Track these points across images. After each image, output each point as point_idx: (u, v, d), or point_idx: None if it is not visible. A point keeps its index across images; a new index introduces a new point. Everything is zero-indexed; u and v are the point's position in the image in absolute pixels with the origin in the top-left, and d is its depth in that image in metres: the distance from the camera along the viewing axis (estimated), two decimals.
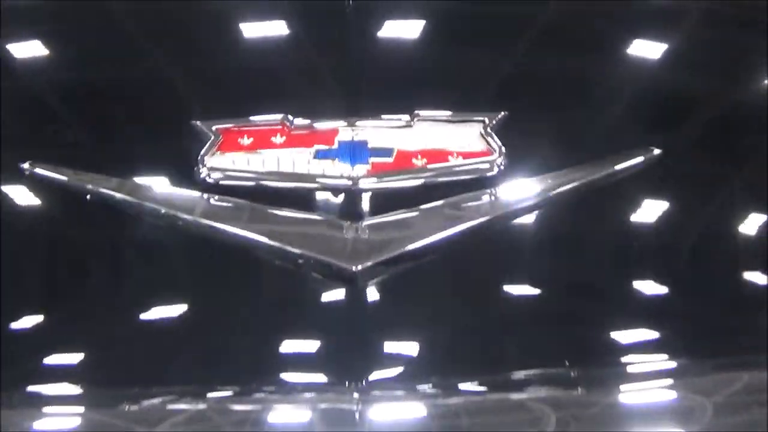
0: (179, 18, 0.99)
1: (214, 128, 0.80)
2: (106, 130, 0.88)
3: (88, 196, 0.78)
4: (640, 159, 0.81)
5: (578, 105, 0.90)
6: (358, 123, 0.81)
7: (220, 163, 0.80)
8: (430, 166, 0.79)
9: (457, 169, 0.79)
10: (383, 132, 0.81)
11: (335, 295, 0.75)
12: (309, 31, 0.94)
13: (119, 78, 0.93)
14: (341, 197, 0.78)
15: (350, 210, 0.77)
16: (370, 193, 0.78)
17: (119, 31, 1.01)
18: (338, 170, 0.79)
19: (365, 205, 0.78)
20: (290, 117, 0.81)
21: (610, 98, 0.91)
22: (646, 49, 0.96)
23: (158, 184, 0.80)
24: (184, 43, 0.98)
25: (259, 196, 0.78)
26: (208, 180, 0.78)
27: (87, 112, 0.91)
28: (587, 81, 0.93)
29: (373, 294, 0.74)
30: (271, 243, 0.74)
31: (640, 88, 0.92)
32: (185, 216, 0.76)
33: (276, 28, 0.97)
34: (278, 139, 0.80)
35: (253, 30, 0.98)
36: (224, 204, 0.78)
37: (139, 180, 0.80)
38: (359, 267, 0.72)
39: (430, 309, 0.78)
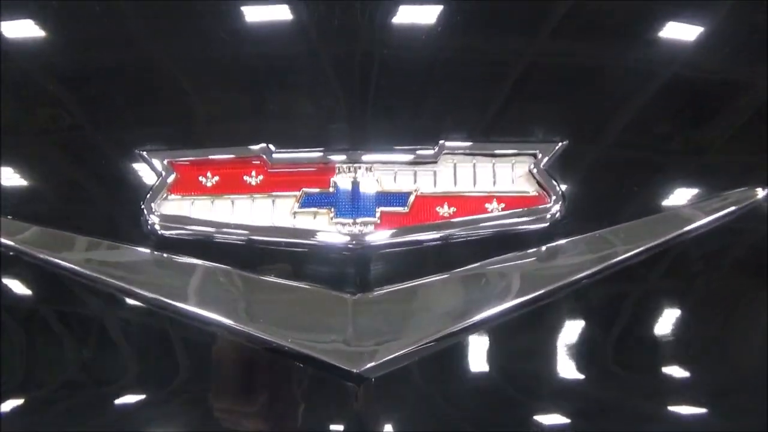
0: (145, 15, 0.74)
1: (165, 162, 0.59)
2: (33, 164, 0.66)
3: None
4: (740, 203, 0.60)
5: (658, 130, 0.66)
6: (363, 157, 0.58)
7: (174, 209, 0.58)
8: (458, 219, 0.58)
9: (498, 222, 0.58)
10: (396, 170, 0.60)
11: (334, 390, 0.56)
12: (302, 36, 0.68)
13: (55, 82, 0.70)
14: (340, 261, 0.57)
15: (352, 278, 0.57)
16: (378, 256, 0.57)
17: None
18: (335, 224, 0.58)
19: (372, 271, 0.57)
20: (271, 147, 0.59)
21: (699, 119, 0.66)
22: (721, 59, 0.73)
23: (91, 242, 0.58)
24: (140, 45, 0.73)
25: (226, 258, 0.57)
26: (158, 233, 0.57)
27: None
28: (670, 97, 0.67)
29: (379, 389, 0.54)
30: (250, 331, 0.54)
31: (731, 102, 0.69)
32: (125, 286, 0.56)
33: (261, 33, 0.70)
34: (253, 179, 0.59)
35: (232, 35, 0.69)
36: (178, 271, 0.57)
37: (64, 235, 0.58)
38: (364, 368, 0.52)
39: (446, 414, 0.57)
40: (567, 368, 0.56)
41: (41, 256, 0.57)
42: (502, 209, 0.58)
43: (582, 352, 0.57)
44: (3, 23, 0.67)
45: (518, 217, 0.58)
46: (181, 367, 0.56)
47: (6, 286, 0.58)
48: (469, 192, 0.59)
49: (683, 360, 0.58)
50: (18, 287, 0.59)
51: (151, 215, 0.57)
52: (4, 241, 0.58)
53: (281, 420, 0.56)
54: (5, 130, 0.62)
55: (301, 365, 0.55)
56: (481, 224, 0.58)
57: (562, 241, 0.58)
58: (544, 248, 0.57)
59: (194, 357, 0.57)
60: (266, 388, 0.56)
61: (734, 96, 0.68)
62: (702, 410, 0.57)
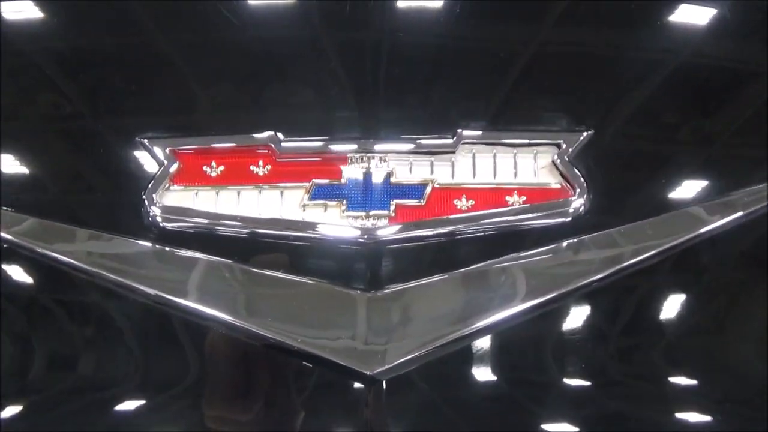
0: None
1: (168, 150, 0.56)
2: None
3: None
4: None
5: (688, 120, 0.62)
6: (376, 147, 0.55)
7: (176, 201, 0.55)
8: (477, 213, 0.55)
9: (519, 216, 0.55)
10: (411, 160, 0.56)
11: (343, 392, 0.53)
12: (312, 21, 0.65)
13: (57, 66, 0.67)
14: (351, 257, 0.54)
15: (363, 275, 0.53)
16: (391, 252, 0.54)
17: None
18: (347, 218, 0.55)
19: (385, 267, 0.54)
20: (279, 136, 0.56)
21: (733, 110, 0.62)
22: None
23: (90, 234, 0.55)
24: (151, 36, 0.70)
25: (231, 252, 0.54)
26: (160, 225, 0.55)
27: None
28: (701, 86, 0.63)
29: (391, 391, 0.51)
30: (254, 329, 0.51)
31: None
32: (125, 281, 0.53)
33: (269, 18, 0.66)
34: (260, 169, 0.56)
35: (239, 20, 0.64)
36: (180, 265, 0.54)
37: (63, 227, 0.56)
38: (376, 370, 0.49)
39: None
40: (584, 372, 0.53)
41: (39, 249, 0.55)
42: (523, 202, 0.55)
43: (600, 355, 0.54)
44: (3, 6, 0.65)
45: (540, 210, 0.54)
46: (181, 366, 0.54)
47: (3, 279, 0.56)
48: (488, 184, 0.56)
49: (699, 364, 0.55)
50: (16, 280, 0.57)
51: (152, 206, 0.55)
52: (1, 234, 0.55)
53: (288, 421, 0.53)
54: (2, 118, 0.60)
55: (310, 365, 0.52)
56: (501, 218, 0.54)
57: (586, 237, 0.54)
58: (566, 244, 0.54)
59: (195, 355, 0.54)
60: (272, 388, 0.54)
61: None
62: (714, 414, 0.54)
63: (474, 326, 0.51)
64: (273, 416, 0.53)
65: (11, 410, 0.53)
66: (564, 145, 0.55)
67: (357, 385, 0.51)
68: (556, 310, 0.53)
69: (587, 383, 0.53)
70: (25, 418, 0.53)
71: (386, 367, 0.49)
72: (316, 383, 0.53)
